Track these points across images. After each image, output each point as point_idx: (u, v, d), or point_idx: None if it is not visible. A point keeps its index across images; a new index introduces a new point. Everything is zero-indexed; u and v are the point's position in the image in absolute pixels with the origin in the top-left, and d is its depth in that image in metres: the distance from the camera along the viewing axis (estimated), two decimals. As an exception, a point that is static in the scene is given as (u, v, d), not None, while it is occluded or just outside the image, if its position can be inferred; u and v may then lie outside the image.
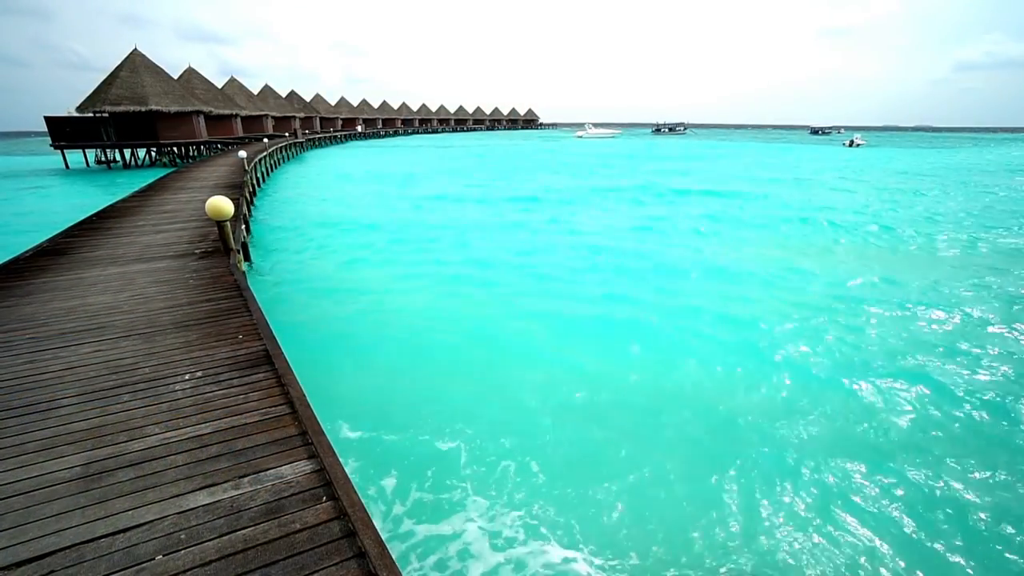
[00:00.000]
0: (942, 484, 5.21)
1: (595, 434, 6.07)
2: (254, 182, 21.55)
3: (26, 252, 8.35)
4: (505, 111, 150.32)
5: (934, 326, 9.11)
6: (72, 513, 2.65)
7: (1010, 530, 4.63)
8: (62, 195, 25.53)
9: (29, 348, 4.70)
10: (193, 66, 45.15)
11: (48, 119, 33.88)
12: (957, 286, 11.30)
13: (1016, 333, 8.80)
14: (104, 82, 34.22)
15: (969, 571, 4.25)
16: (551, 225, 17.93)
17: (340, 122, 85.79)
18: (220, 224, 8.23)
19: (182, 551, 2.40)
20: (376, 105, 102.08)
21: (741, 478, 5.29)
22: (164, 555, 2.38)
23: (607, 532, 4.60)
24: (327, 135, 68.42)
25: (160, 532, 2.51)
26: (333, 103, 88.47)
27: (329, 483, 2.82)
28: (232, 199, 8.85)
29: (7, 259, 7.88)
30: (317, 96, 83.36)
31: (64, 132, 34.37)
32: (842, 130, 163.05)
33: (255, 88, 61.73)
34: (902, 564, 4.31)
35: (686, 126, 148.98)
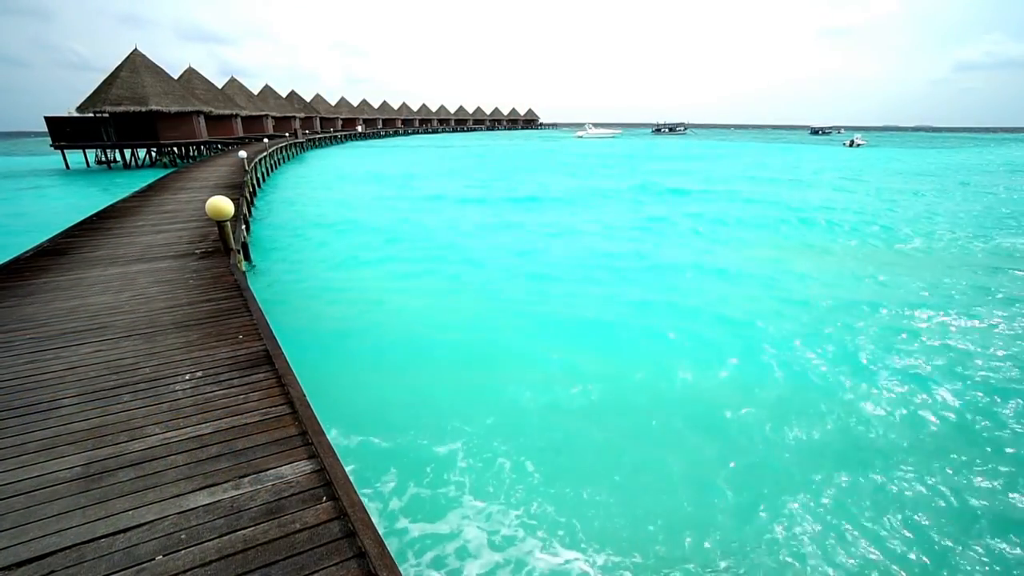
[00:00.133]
0: (946, 489, 5.21)
1: (594, 435, 6.07)
2: (254, 182, 21.56)
3: (27, 252, 8.35)
4: (505, 111, 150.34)
5: (937, 328, 9.11)
6: (73, 513, 2.65)
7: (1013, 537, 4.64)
8: (63, 196, 25.55)
9: (30, 348, 4.70)
10: (193, 66, 45.19)
11: (48, 119, 33.90)
12: (960, 287, 11.30)
13: (1016, 334, 8.81)
14: (104, 82, 34.24)
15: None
16: (550, 226, 17.92)
17: (340, 122, 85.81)
18: (220, 224, 8.24)
19: (182, 551, 2.40)
20: (376, 105, 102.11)
21: (740, 479, 5.29)
22: (164, 555, 2.38)
23: (606, 531, 4.60)
24: (327, 135, 68.42)
25: (160, 532, 2.52)
26: (333, 103, 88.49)
27: (329, 483, 2.82)
28: (232, 199, 8.86)
29: (8, 259, 7.89)
30: (317, 96, 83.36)
31: (64, 132, 34.39)
32: (842, 130, 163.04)
33: (255, 88, 61.78)
34: (894, 567, 4.31)
35: (686, 126, 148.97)
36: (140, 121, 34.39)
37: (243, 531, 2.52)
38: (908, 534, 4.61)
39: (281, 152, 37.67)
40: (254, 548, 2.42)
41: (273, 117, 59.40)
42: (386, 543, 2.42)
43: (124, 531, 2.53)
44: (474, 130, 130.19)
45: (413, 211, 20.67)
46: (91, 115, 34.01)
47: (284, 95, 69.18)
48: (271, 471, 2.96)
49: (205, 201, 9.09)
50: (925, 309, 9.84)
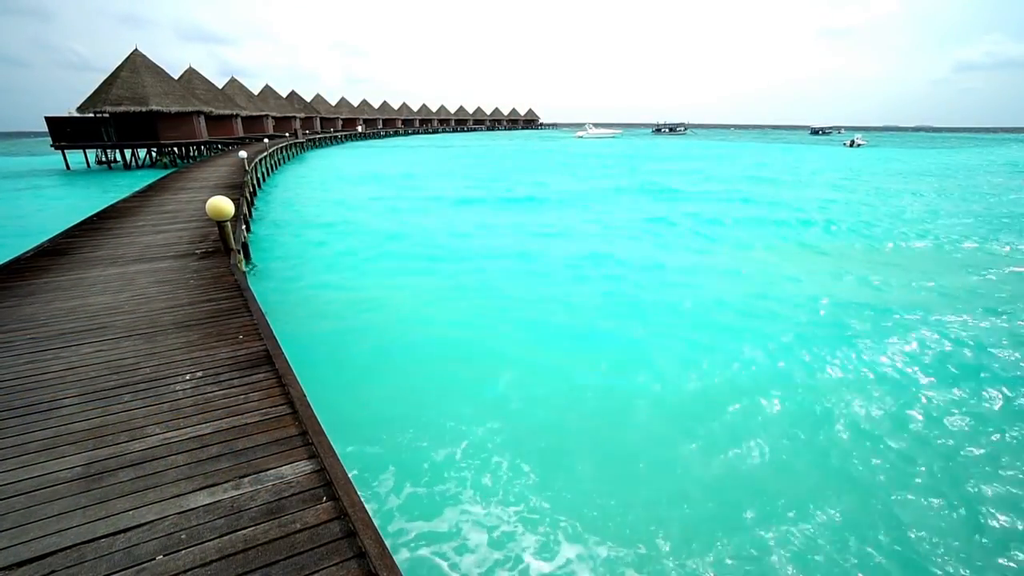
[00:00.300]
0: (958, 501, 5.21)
1: (592, 434, 6.08)
2: (254, 182, 21.56)
3: (27, 252, 8.36)
4: (505, 111, 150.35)
5: (941, 332, 9.11)
6: (73, 513, 2.65)
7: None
8: (64, 196, 25.55)
9: (30, 348, 4.71)
10: (193, 66, 45.17)
11: (49, 119, 33.90)
12: (959, 288, 11.30)
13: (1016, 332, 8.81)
14: (105, 82, 34.25)
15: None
16: (547, 226, 17.93)
17: (340, 122, 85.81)
18: (220, 224, 8.24)
19: (183, 551, 2.41)
20: (376, 105, 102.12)
21: (739, 480, 5.29)
22: (165, 555, 2.38)
23: (604, 530, 4.60)
24: (327, 135, 68.43)
25: (161, 532, 2.52)
26: (333, 103, 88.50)
27: (329, 483, 2.82)
28: (232, 199, 8.86)
29: (8, 259, 7.89)
30: (317, 96, 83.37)
31: (65, 132, 34.38)
32: (842, 130, 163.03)
33: (255, 88, 61.79)
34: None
35: (686, 126, 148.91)
36: (140, 121, 34.40)
37: (243, 531, 2.52)
38: (910, 538, 4.61)
39: (281, 152, 37.68)
40: (254, 548, 2.42)
41: (273, 117, 59.40)
42: (386, 543, 2.42)
43: (124, 531, 2.53)
44: (474, 130, 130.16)
45: (413, 211, 20.67)
46: (91, 115, 34.00)
47: (284, 95, 69.19)
48: (271, 471, 2.96)
49: (205, 201, 9.09)
50: (926, 310, 9.83)
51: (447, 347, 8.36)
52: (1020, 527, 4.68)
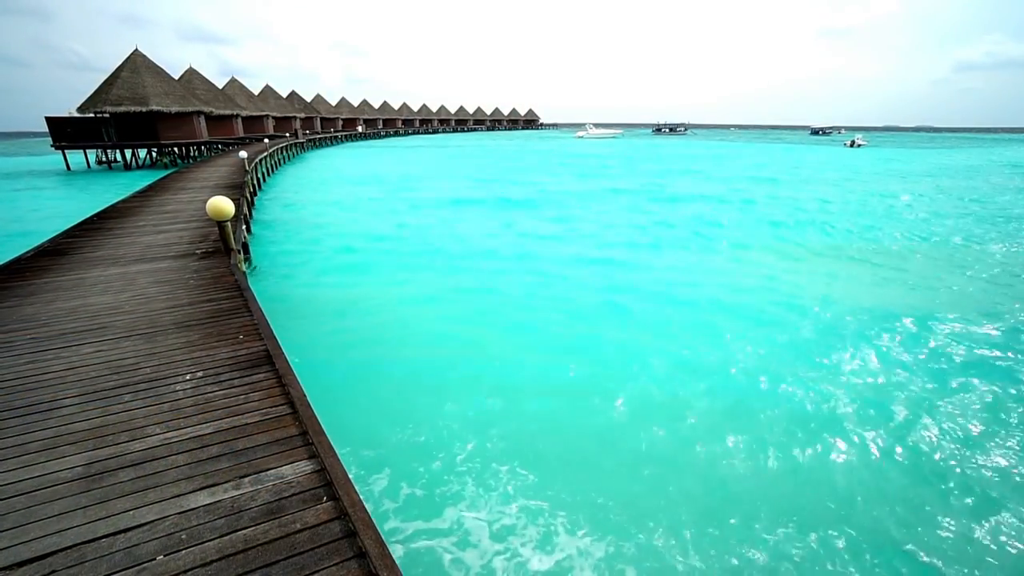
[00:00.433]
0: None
1: (592, 434, 6.08)
2: (255, 182, 21.57)
3: (27, 252, 8.36)
4: (505, 111, 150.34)
5: (941, 332, 9.10)
6: (73, 513, 2.65)
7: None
8: (64, 196, 25.56)
9: (31, 348, 4.71)
10: (194, 66, 45.18)
11: (49, 119, 33.91)
12: (960, 288, 11.29)
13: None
14: (105, 82, 34.27)
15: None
16: (546, 226, 17.93)
17: (341, 122, 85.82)
18: (221, 224, 8.24)
19: (183, 551, 2.41)
20: (377, 105, 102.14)
21: (740, 480, 5.29)
22: (165, 555, 2.38)
23: (604, 530, 4.60)
24: (328, 135, 68.44)
25: (161, 532, 2.52)
26: (334, 103, 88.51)
27: (330, 483, 2.82)
28: (233, 199, 8.87)
29: (9, 259, 7.90)
30: (318, 96, 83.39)
31: (65, 132, 34.39)
32: (843, 130, 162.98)
33: (256, 88, 61.82)
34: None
35: (687, 126, 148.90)
36: (141, 121, 34.41)
37: (244, 531, 2.52)
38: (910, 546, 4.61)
39: (282, 152, 37.69)
40: (255, 548, 2.42)
41: (274, 117, 59.42)
42: (386, 542, 2.42)
43: (125, 531, 2.53)
44: (474, 130, 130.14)
45: (413, 212, 20.67)
46: (92, 115, 34.02)
47: (284, 95, 69.21)
48: (271, 471, 2.97)
49: (206, 201, 9.10)
50: (926, 310, 9.83)
51: (447, 347, 8.36)
52: (1021, 526, 4.68)
